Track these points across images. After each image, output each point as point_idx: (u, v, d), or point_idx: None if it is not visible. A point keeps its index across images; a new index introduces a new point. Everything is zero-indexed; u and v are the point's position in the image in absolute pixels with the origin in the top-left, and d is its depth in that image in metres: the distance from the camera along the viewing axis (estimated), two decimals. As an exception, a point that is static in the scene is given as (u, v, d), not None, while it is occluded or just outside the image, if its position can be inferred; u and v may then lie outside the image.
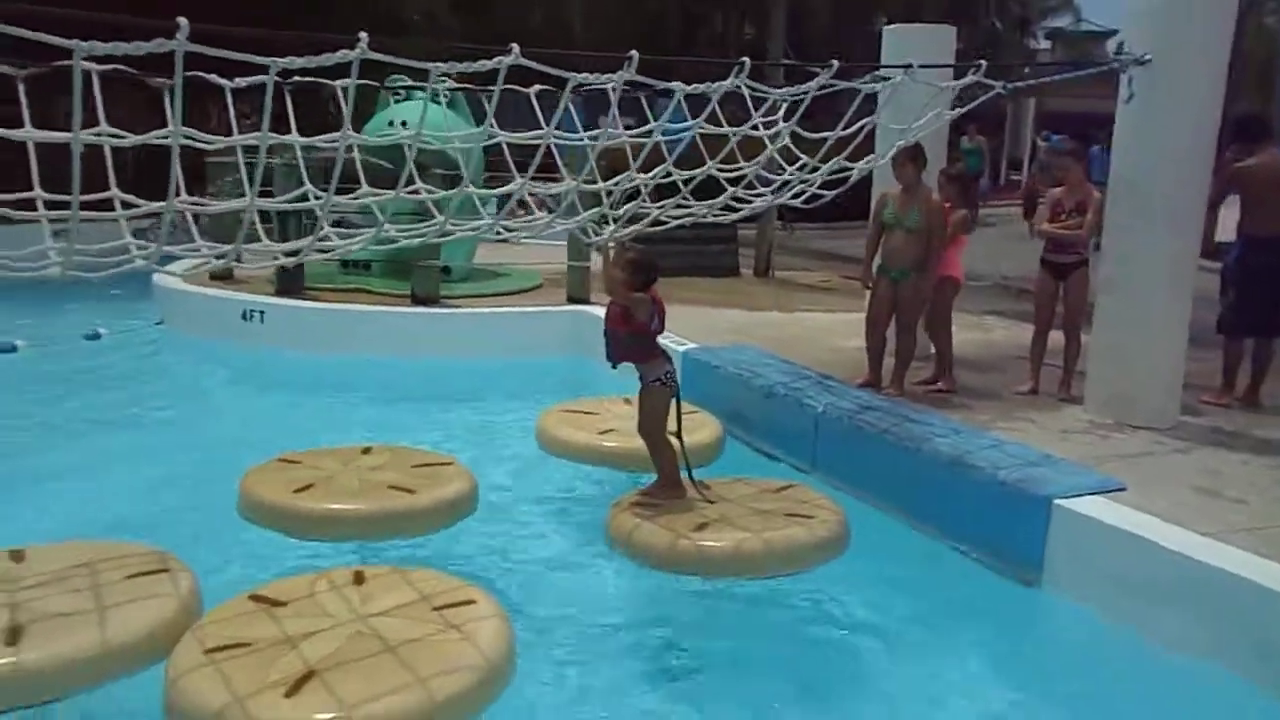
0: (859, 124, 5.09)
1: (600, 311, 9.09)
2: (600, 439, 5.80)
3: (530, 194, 4.75)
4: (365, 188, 4.77)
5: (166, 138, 3.43)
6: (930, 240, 6.49)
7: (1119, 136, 5.85)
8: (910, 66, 4.83)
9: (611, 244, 5.03)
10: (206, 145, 3.92)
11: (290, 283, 9.39)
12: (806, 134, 4.78)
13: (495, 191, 4.78)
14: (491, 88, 3.87)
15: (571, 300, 9.60)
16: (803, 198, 5.41)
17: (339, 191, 4.07)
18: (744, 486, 5.14)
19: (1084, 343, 6.67)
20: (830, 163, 5.01)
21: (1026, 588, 4.60)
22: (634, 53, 3.84)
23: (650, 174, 4.68)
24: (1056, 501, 4.55)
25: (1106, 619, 4.27)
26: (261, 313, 9.02)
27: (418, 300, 9.24)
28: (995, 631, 4.39)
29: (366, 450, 5.32)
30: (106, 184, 3.96)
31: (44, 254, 3.78)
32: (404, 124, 8.78)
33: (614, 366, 5.02)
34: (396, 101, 10.08)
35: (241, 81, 3.96)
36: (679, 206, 5.06)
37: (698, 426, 6.19)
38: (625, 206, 4.92)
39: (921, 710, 3.83)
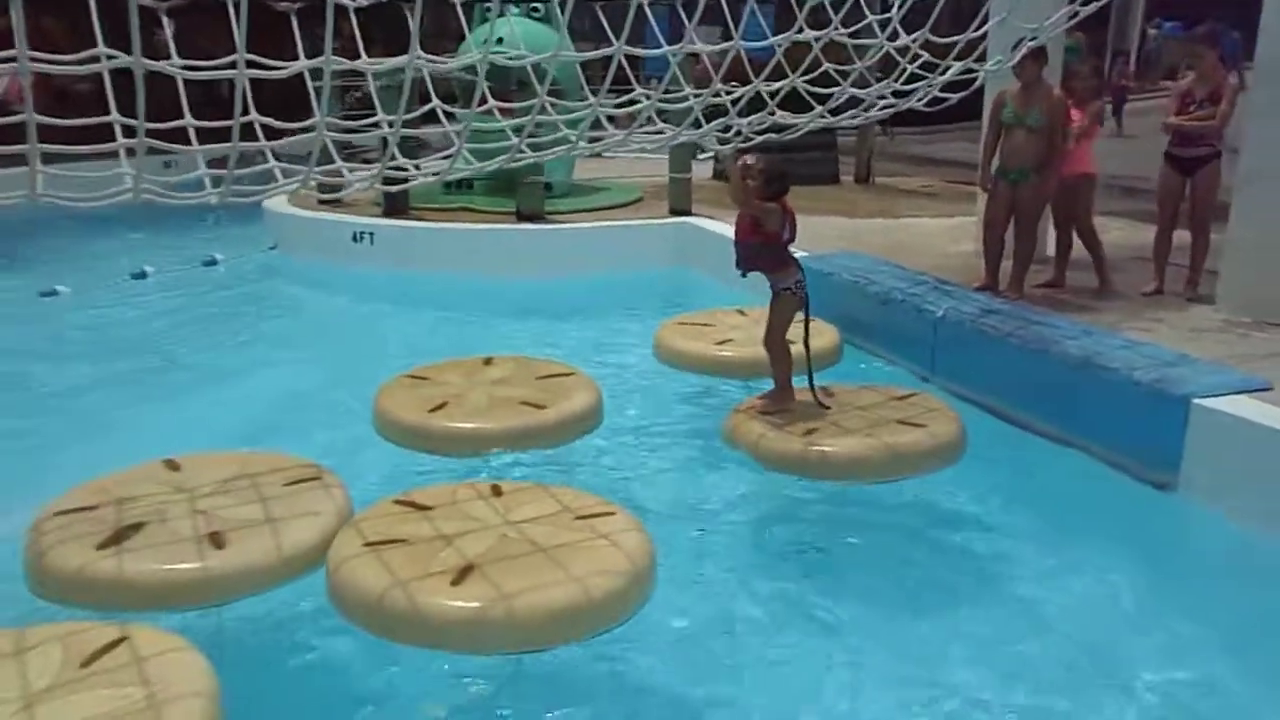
0: (983, 24, 4.90)
1: (703, 222, 9.14)
2: (718, 349, 5.86)
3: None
4: (441, 106, 4.72)
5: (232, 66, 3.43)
6: (1052, 139, 6.29)
7: (1269, 14, 5.52)
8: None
9: (735, 156, 4.98)
10: (272, 76, 3.90)
11: (396, 203, 9.54)
12: (937, 39, 4.61)
13: (617, 110, 4.72)
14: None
15: (674, 212, 9.57)
16: (924, 100, 5.25)
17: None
18: (869, 394, 5.15)
19: (1212, 240, 6.44)
20: (961, 64, 4.83)
21: (1160, 490, 4.55)
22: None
23: (779, 82, 4.56)
24: (1196, 401, 4.45)
25: (1247, 523, 4.19)
26: (371, 234, 9.21)
27: (523, 217, 9.31)
28: (1126, 533, 4.34)
29: (488, 361, 5.46)
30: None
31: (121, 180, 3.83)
32: (500, 40, 8.75)
33: (744, 275, 5.03)
34: (487, 18, 10.04)
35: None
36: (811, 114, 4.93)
37: (816, 333, 6.15)
38: (751, 117, 4.83)
39: (1054, 611, 3.82)
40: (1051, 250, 7.07)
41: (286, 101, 4.16)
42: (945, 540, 4.38)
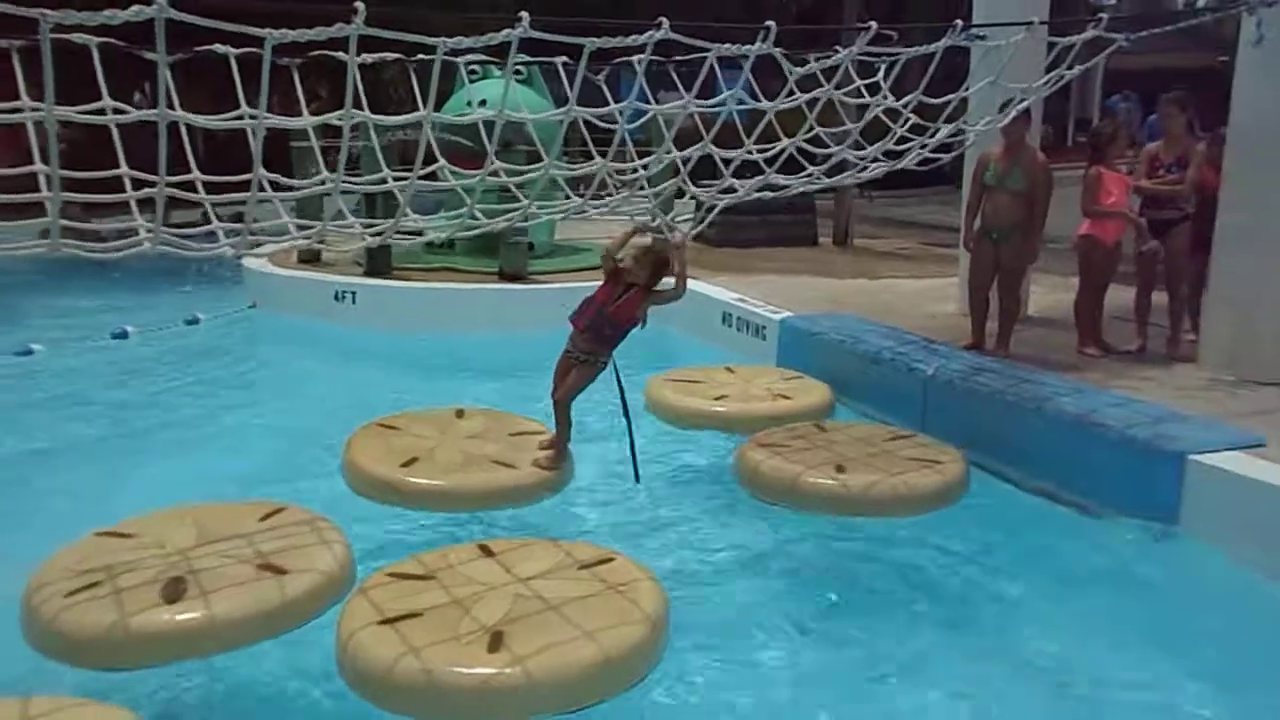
0: (972, 85, 5.03)
1: (690, 285, 9.16)
2: (715, 404, 5.90)
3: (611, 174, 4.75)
4: (445, 167, 4.80)
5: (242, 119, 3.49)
6: (1033, 200, 6.42)
7: (1241, 81, 5.72)
8: (1031, 24, 4.75)
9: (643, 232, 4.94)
10: (290, 125, 3.95)
11: (379, 263, 9.53)
12: (930, 99, 4.73)
13: (577, 170, 4.79)
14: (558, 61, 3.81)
15: (657, 273, 9.63)
16: (915, 160, 5.36)
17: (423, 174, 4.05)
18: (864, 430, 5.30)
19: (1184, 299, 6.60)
20: (950, 126, 4.95)
21: (1161, 540, 4.56)
22: (771, 23, 3.82)
23: (759, 148, 4.64)
24: (1191, 457, 4.50)
25: (1246, 575, 4.21)
26: (354, 293, 9.18)
27: (505, 277, 9.33)
28: (1123, 585, 4.37)
29: (460, 414, 5.45)
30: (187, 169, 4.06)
31: (134, 230, 3.85)
32: (483, 102, 8.84)
33: (577, 329, 4.87)
34: (473, 80, 10.14)
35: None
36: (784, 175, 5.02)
37: (806, 390, 6.26)
38: (749, 181, 4.88)
39: (1066, 648, 3.86)
40: (1033, 309, 7.18)
41: (275, 159, 4.19)
42: (949, 584, 4.39)
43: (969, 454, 5.41)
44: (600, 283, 4.95)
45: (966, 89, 4.94)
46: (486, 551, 3.94)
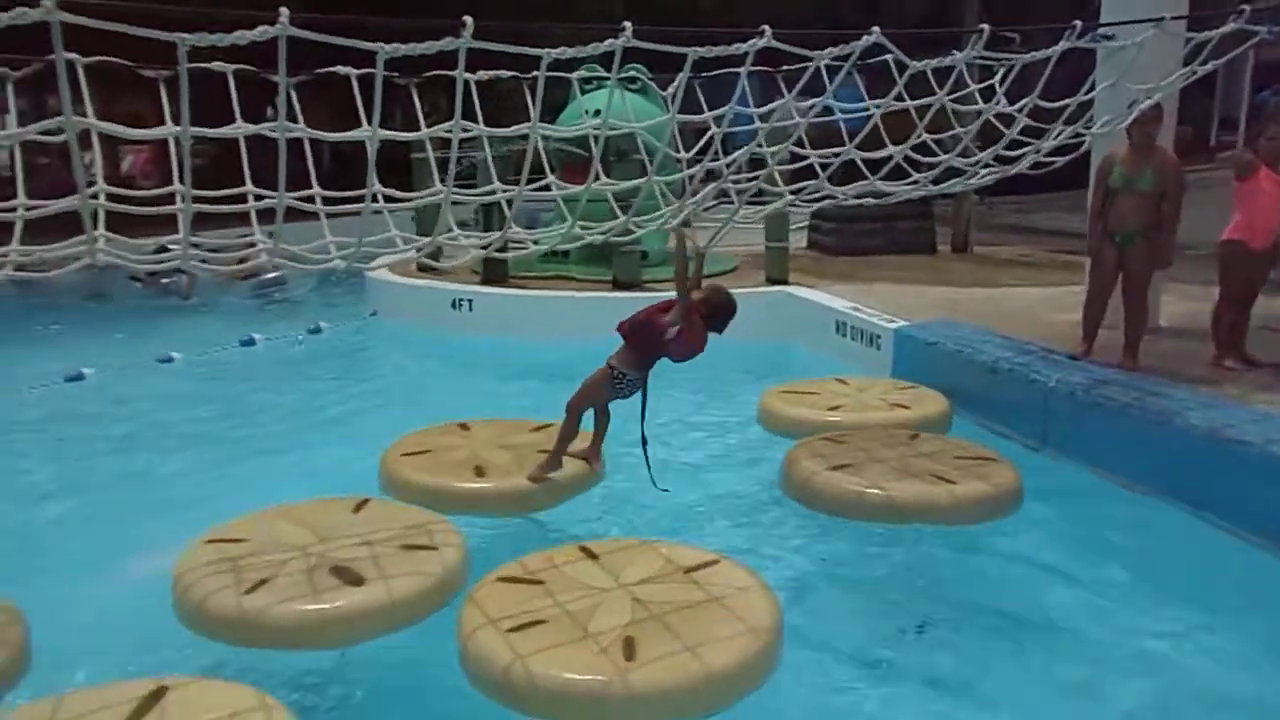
0: (1097, 87, 4.85)
1: (802, 291, 9.10)
2: (829, 414, 5.84)
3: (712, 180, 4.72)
4: (553, 179, 4.89)
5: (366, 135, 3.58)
6: (1163, 203, 6.09)
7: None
8: (1162, 19, 4.53)
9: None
10: (401, 139, 4.06)
11: (495, 271, 9.73)
12: (1046, 104, 4.56)
13: (676, 177, 4.76)
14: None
15: (771, 281, 9.56)
16: (1030, 165, 5.18)
17: (532, 183, 4.10)
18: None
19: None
20: (1069, 128, 4.76)
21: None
22: (876, 29, 3.75)
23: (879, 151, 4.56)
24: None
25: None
26: (470, 301, 9.39)
27: (619, 285, 9.40)
28: (1270, 617, 4.10)
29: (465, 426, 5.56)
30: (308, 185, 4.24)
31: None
32: (597, 113, 8.92)
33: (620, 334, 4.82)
34: (586, 91, 10.27)
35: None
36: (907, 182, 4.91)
37: (922, 400, 6.11)
38: (849, 186, 4.80)
39: (1199, 681, 3.65)
40: (1164, 320, 6.81)
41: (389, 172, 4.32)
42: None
43: (1099, 470, 5.23)
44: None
45: (1087, 91, 4.73)
46: (590, 554, 3.98)
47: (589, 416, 5.00)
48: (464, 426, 5.58)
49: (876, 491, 4.71)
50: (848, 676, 3.70)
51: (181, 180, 3.26)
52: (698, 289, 4.78)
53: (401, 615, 3.68)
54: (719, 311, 4.73)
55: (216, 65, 4.43)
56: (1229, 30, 4.46)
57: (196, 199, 3.30)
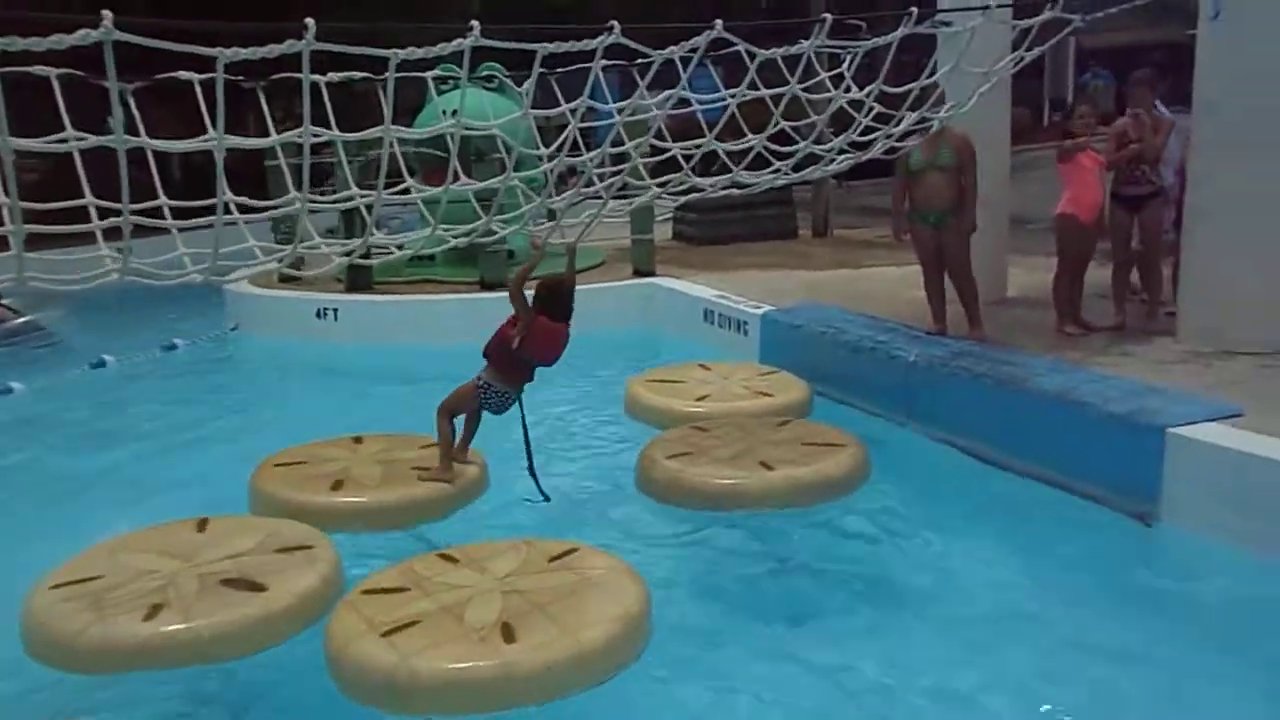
0: (931, 73, 5.07)
1: (668, 282, 9.21)
2: (698, 405, 5.91)
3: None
4: (411, 183, 4.82)
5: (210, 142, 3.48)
6: (961, 177, 6.35)
7: (1202, 57, 5.74)
8: (987, 7, 4.77)
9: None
10: (250, 146, 3.97)
11: (360, 279, 9.52)
12: (890, 89, 4.74)
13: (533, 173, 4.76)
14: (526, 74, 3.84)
15: (638, 273, 9.64)
16: (882, 150, 5.37)
17: (391, 188, 4.00)
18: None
19: (1164, 273, 6.63)
20: (914, 114, 4.97)
21: (1143, 524, 4.58)
22: (719, 22, 3.83)
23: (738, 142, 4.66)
24: (1171, 430, 4.52)
25: (1230, 548, 4.23)
26: (335, 310, 9.17)
27: (486, 286, 9.31)
28: (1114, 567, 4.38)
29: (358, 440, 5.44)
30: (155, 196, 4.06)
31: (101, 262, 3.86)
32: (454, 113, 8.81)
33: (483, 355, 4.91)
34: (442, 91, 10.12)
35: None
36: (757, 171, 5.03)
37: (785, 386, 6.26)
38: (715, 177, 4.90)
39: (1061, 650, 3.82)
40: (1012, 290, 7.15)
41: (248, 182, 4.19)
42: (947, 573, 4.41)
43: (961, 440, 5.46)
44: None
45: (929, 76, 4.95)
46: (449, 559, 3.98)
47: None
48: (357, 440, 5.42)
49: (713, 481, 4.82)
50: (719, 655, 3.81)
51: (6, 193, 3.07)
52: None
53: (314, 611, 3.71)
54: (553, 296, 4.75)
55: (38, 69, 4.17)
56: (1047, 18, 4.73)
57: (30, 217, 3.12)
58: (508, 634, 3.34)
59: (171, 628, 3.48)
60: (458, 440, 4.94)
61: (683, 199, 5.27)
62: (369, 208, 4.20)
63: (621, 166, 4.95)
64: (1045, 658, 3.71)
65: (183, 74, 4.69)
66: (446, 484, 4.78)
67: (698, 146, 4.75)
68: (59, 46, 2.68)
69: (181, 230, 4.26)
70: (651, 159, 5.21)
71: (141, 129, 3.93)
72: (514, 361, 4.76)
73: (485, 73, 9.44)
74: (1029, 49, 4.96)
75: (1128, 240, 6.74)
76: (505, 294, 4.78)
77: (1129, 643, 3.79)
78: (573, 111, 4.37)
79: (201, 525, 4.31)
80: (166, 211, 4.26)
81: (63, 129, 3.83)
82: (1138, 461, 4.59)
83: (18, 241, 3.11)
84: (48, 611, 3.61)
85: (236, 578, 3.79)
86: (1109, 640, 3.80)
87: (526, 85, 3.95)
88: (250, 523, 4.43)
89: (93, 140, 3.29)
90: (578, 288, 4.96)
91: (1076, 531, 4.66)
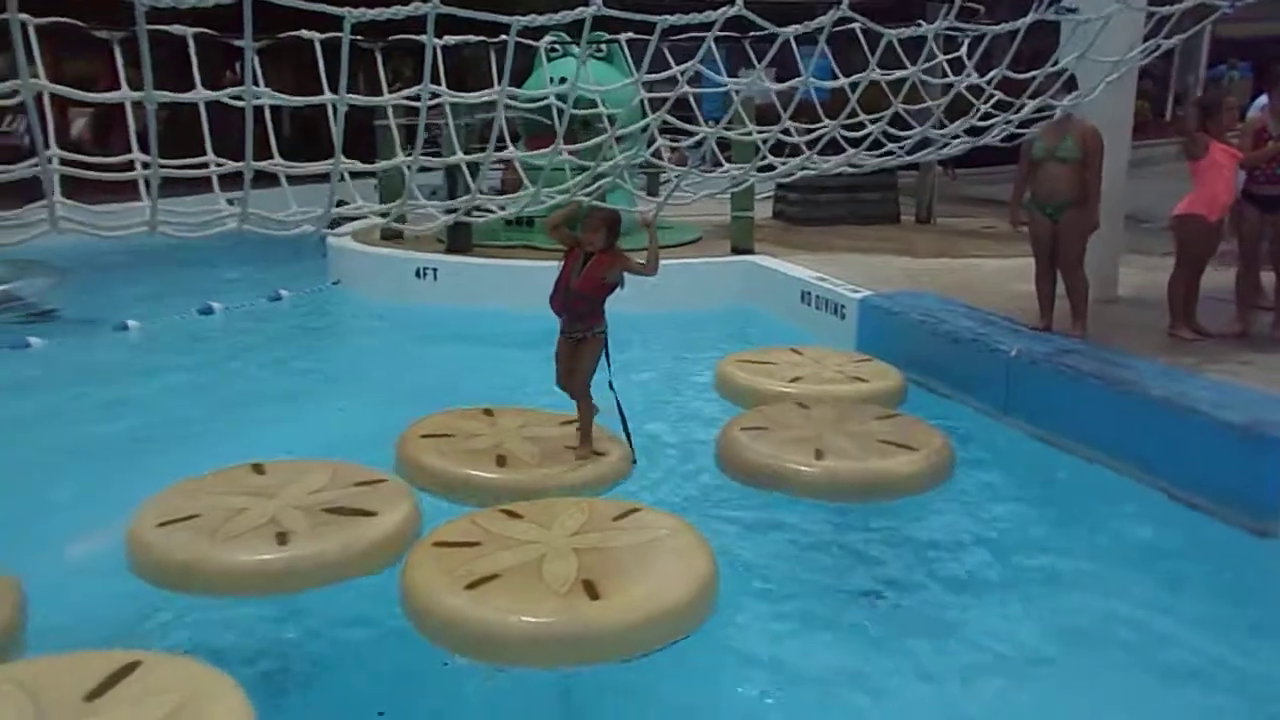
0: (1062, 60, 4.88)
1: (766, 261, 9.12)
2: (790, 386, 5.85)
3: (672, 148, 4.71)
4: (513, 151, 4.84)
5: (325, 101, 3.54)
6: (1086, 171, 6.09)
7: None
8: (1126, -9, 4.54)
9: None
10: (368, 104, 3.99)
11: (459, 240, 9.65)
12: (1015, 75, 4.57)
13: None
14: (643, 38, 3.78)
15: (736, 251, 9.57)
16: (1000, 136, 5.20)
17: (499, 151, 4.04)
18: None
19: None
20: (1036, 100, 4.78)
21: (1260, 538, 4.38)
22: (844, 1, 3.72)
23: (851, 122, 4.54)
24: (1290, 444, 4.30)
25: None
26: (434, 270, 9.31)
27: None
28: (1226, 582, 4.19)
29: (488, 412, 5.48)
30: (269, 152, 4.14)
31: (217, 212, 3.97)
32: (562, 80, 8.82)
33: (559, 316, 4.88)
34: (552, 58, 10.15)
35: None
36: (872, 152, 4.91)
37: (878, 374, 6.16)
38: (832, 159, 4.79)
39: (1157, 656, 3.68)
40: (1122, 289, 6.89)
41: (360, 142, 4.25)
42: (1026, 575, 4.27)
43: (1059, 439, 5.29)
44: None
45: (1053, 64, 4.76)
46: (513, 514, 4.05)
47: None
48: (488, 413, 5.49)
49: (797, 468, 4.77)
50: (787, 617, 3.84)
51: (143, 146, 3.17)
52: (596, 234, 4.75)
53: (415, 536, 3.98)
54: (618, 226, 4.82)
55: (176, 28, 4.31)
56: (1192, 4, 4.49)
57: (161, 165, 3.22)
58: (590, 590, 3.42)
59: (314, 549, 3.74)
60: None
61: (787, 178, 5.18)
62: (475, 169, 4.23)
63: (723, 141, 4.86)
64: (1144, 674, 3.57)
65: (305, 32, 4.80)
66: (619, 464, 4.89)
67: (814, 128, 4.66)
68: (206, 3, 2.76)
69: (292, 183, 4.36)
70: (762, 135, 5.12)
71: (264, 86, 4.02)
72: (598, 303, 4.85)
73: (596, 42, 9.41)
74: (1166, 37, 4.72)
75: (1258, 243, 6.41)
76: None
77: (1247, 667, 3.60)
78: (680, 77, 4.31)
79: (258, 469, 4.48)
80: (280, 166, 4.35)
81: (183, 84, 3.94)
82: (1257, 474, 4.38)
83: (155, 187, 3.21)
84: (167, 541, 3.78)
85: (343, 506, 3.99)
86: (1223, 659, 3.63)
87: (646, 56, 3.90)
88: (305, 465, 4.55)
89: (225, 92, 3.37)
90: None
91: (1183, 542, 4.47)
